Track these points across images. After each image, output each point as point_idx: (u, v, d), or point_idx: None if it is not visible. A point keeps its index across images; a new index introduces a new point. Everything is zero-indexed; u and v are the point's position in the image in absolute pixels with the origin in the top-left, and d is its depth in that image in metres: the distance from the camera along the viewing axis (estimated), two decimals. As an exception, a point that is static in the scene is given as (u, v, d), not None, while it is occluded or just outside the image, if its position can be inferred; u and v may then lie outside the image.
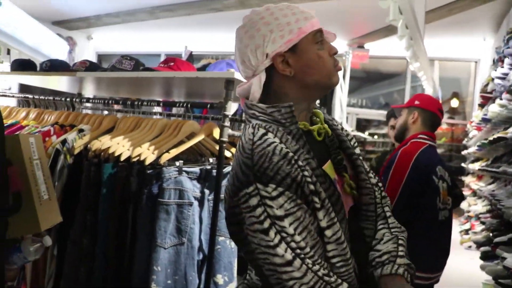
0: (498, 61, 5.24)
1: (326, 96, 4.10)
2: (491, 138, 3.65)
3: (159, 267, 1.81)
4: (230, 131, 2.06)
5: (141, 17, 6.73)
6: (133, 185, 1.89)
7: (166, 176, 1.87)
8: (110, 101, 2.38)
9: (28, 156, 1.36)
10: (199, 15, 6.30)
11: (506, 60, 3.00)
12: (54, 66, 2.48)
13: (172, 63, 2.16)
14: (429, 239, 2.16)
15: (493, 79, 5.74)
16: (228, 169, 2.09)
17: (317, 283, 0.99)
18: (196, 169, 1.98)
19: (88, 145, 2.05)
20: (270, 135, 1.06)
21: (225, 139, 1.99)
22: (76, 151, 2.07)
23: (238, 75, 1.90)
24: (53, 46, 6.33)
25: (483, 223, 4.24)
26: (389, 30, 7.36)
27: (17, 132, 2.25)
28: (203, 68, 2.54)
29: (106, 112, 2.98)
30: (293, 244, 1.00)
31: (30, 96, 2.67)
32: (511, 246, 2.66)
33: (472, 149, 5.86)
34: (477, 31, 7.42)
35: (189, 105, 2.10)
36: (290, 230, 1.01)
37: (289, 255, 0.99)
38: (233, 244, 2.07)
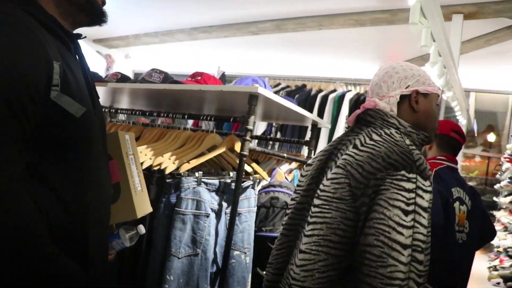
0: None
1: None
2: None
3: (171, 276, 1.82)
4: (251, 145, 2.07)
5: (178, 37, 6.90)
6: (152, 193, 1.92)
7: (185, 186, 1.89)
8: (137, 112, 2.44)
9: (125, 151, 1.48)
10: (235, 37, 6.42)
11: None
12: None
13: (199, 77, 2.21)
14: (445, 259, 2.10)
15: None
16: (248, 183, 2.10)
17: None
18: (215, 181, 2.00)
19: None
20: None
21: (245, 152, 2.01)
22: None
23: (262, 90, 1.93)
24: (92, 63, 6.57)
25: (510, 257, 4.07)
26: (424, 59, 7.28)
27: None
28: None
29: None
30: (418, 236, 1.10)
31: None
32: None
33: (504, 182, 5.66)
34: (516, 63, 7.26)
35: (213, 118, 2.13)
36: (425, 223, 1.12)
37: (408, 242, 1.09)
38: (248, 259, 2.07)
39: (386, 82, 1.37)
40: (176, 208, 1.86)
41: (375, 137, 1.26)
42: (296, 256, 1.23)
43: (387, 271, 1.06)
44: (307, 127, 4.35)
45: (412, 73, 1.37)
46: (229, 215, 2.02)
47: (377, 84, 1.39)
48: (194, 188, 1.91)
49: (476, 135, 9.35)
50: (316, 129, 2.83)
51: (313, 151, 2.83)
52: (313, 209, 1.22)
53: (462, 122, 7.53)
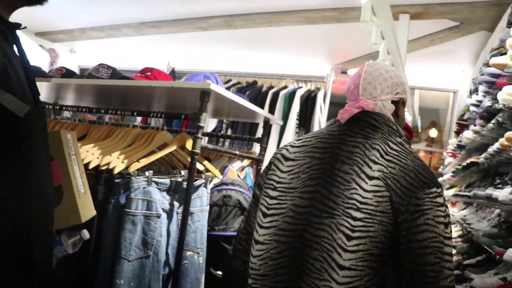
0: (474, 91, 5.37)
1: (306, 117, 4.12)
2: (464, 164, 3.68)
3: (122, 280, 1.75)
4: (203, 143, 2.03)
5: (126, 32, 6.71)
6: (100, 194, 1.84)
7: (135, 186, 1.83)
8: (84, 109, 2.34)
9: (68, 151, 1.41)
10: (184, 33, 6.32)
11: (480, 88, 3.05)
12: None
13: (149, 73, 2.15)
14: None
15: (469, 108, 5.87)
16: (200, 182, 2.06)
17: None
18: (166, 180, 1.94)
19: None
20: None
21: (197, 150, 1.96)
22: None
23: (214, 86, 1.89)
24: (34, 57, 6.27)
25: (454, 247, 4.26)
26: (373, 57, 7.47)
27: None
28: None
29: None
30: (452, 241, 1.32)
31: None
32: (479, 268, 2.67)
33: (447, 176, 5.91)
34: (456, 62, 7.59)
35: (163, 115, 2.07)
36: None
37: (452, 249, 1.22)
38: (201, 259, 2.03)
39: (381, 85, 1.38)
40: (125, 209, 1.80)
41: (393, 146, 1.28)
42: (335, 272, 1.18)
43: (448, 281, 1.17)
44: (258, 124, 4.35)
45: (402, 81, 1.42)
46: (181, 215, 1.97)
47: (371, 83, 1.38)
48: (144, 188, 1.85)
49: (420, 131, 9.72)
50: (268, 126, 2.83)
51: (265, 148, 2.83)
52: (354, 222, 1.19)
53: (408, 118, 7.80)
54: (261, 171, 1.57)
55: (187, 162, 2.10)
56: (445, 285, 1.15)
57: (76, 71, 8.98)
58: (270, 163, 1.42)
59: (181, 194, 1.98)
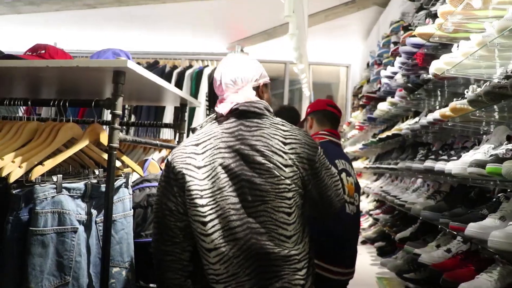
0: (374, 64, 5.48)
1: (216, 97, 3.82)
2: (383, 136, 3.68)
3: (34, 320, 1.35)
4: (121, 135, 1.66)
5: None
6: (-9, 211, 1.40)
7: (40, 196, 1.42)
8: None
9: None
10: (69, 11, 5.65)
11: (398, 59, 3.01)
12: None
13: (43, 51, 1.71)
14: (338, 230, 2.07)
15: (368, 81, 6.02)
16: (120, 182, 1.70)
17: None
18: (80, 185, 1.55)
19: None
20: None
21: (115, 144, 1.60)
22: None
23: (131, 64, 1.53)
24: None
25: (376, 219, 4.34)
26: (268, 34, 7.39)
27: None
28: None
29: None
30: None
31: None
32: (416, 240, 2.70)
33: (353, 149, 6.04)
34: (349, 37, 7.79)
35: (67, 103, 1.65)
36: None
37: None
38: (130, 274, 1.70)
39: (243, 77, 1.56)
40: (30, 228, 1.38)
41: (282, 128, 1.52)
42: (286, 242, 1.45)
43: (340, 192, 1.66)
44: (164, 108, 3.97)
45: (259, 68, 1.62)
46: (101, 224, 1.61)
47: (233, 77, 1.54)
48: (53, 197, 1.44)
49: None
50: (184, 110, 2.51)
51: (184, 135, 2.50)
52: (289, 201, 1.45)
53: (307, 94, 7.88)
54: (161, 180, 1.52)
55: (100, 159, 1.72)
56: (340, 195, 1.61)
57: None
58: (177, 173, 1.45)
59: (99, 200, 1.61)
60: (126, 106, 4.03)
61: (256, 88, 1.59)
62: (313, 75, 9.63)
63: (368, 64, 6.19)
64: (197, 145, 1.48)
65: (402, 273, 2.75)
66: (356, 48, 8.09)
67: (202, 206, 1.41)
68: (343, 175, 2.15)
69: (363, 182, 5.35)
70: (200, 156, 1.46)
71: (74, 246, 1.48)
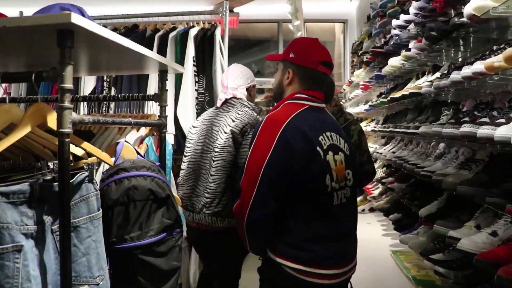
0: (376, 17, 5.01)
1: (205, 61, 3.39)
2: (397, 95, 3.22)
3: None
4: (75, 116, 1.27)
5: None
6: None
7: (-38, 208, 1.03)
8: None
9: None
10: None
11: (415, 3, 2.55)
12: None
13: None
14: (321, 229, 1.63)
15: (369, 36, 5.55)
16: (81, 176, 1.32)
17: None
18: (23, 186, 1.17)
19: None
20: None
21: (67, 130, 1.21)
22: None
23: (78, 19, 1.12)
24: None
25: (391, 189, 3.92)
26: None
27: None
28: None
29: None
30: None
31: None
32: (446, 218, 2.26)
33: (357, 110, 5.60)
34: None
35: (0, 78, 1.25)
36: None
37: None
38: (104, 291, 1.32)
39: (239, 80, 2.45)
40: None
41: (240, 113, 2.32)
42: (209, 177, 2.35)
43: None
44: (147, 77, 3.53)
45: (250, 74, 2.50)
46: (58, 233, 1.23)
47: (234, 79, 2.45)
48: (-19, 208, 1.06)
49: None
50: (165, 77, 2.10)
51: (167, 107, 2.11)
52: (215, 153, 2.28)
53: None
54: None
55: (55, 147, 1.33)
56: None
57: None
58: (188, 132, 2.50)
59: (53, 202, 1.23)
60: (105, 78, 3.61)
61: (247, 88, 2.47)
62: (307, 34, 9.13)
63: (368, 17, 5.71)
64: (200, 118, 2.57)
65: (427, 253, 2.36)
66: (352, 3, 7.58)
67: (187, 147, 2.47)
68: (329, 155, 1.65)
69: (370, 147, 4.93)
70: (197, 123, 2.53)
71: (19, 269, 1.11)
